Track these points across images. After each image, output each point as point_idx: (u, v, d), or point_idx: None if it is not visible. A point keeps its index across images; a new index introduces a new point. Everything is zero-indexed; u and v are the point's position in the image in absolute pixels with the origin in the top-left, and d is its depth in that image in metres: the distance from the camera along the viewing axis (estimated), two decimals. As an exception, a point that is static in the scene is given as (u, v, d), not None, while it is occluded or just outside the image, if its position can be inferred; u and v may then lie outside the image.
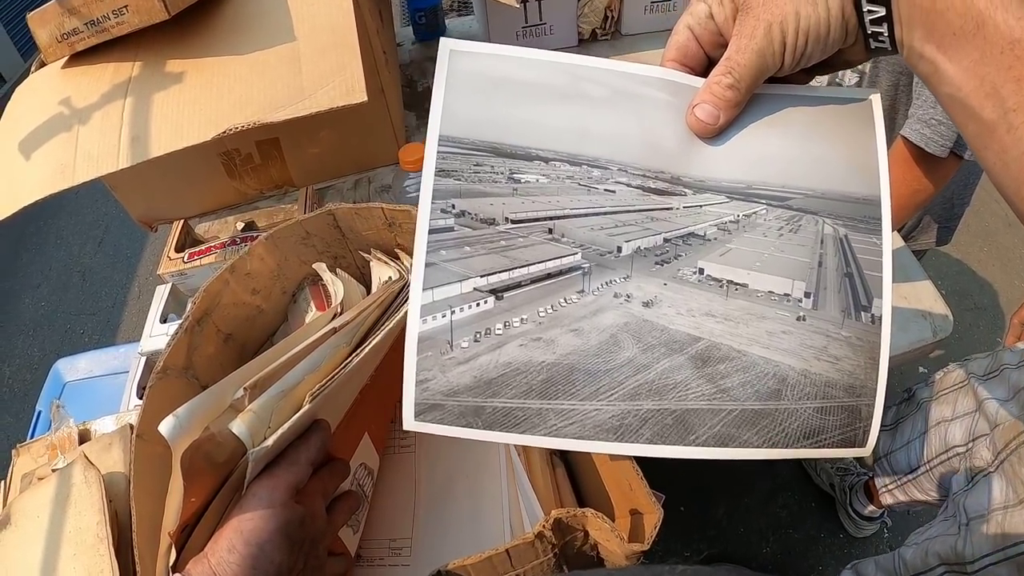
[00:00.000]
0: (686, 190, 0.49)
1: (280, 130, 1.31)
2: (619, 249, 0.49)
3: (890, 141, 1.14)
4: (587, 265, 0.48)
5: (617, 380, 0.46)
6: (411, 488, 0.81)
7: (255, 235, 0.73)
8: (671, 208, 0.49)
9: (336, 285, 0.70)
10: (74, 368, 1.37)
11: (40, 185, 1.02)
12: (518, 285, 0.47)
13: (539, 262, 0.48)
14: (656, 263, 0.49)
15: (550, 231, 0.49)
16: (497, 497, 0.77)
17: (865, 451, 0.48)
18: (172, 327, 0.69)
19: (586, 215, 0.49)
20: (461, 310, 0.46)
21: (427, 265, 0.47)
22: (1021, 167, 0.34)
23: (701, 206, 0.49)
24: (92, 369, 1.36)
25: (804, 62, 0.44)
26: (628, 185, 0.49)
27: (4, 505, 0.98)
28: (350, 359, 0.58)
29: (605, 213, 0.49)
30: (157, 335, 1.08)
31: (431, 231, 0.47)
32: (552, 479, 0.79)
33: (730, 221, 0.49)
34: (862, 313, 0.48)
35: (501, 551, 0.54)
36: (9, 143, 1.09)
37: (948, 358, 2.04)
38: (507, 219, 0.48)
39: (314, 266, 0.74)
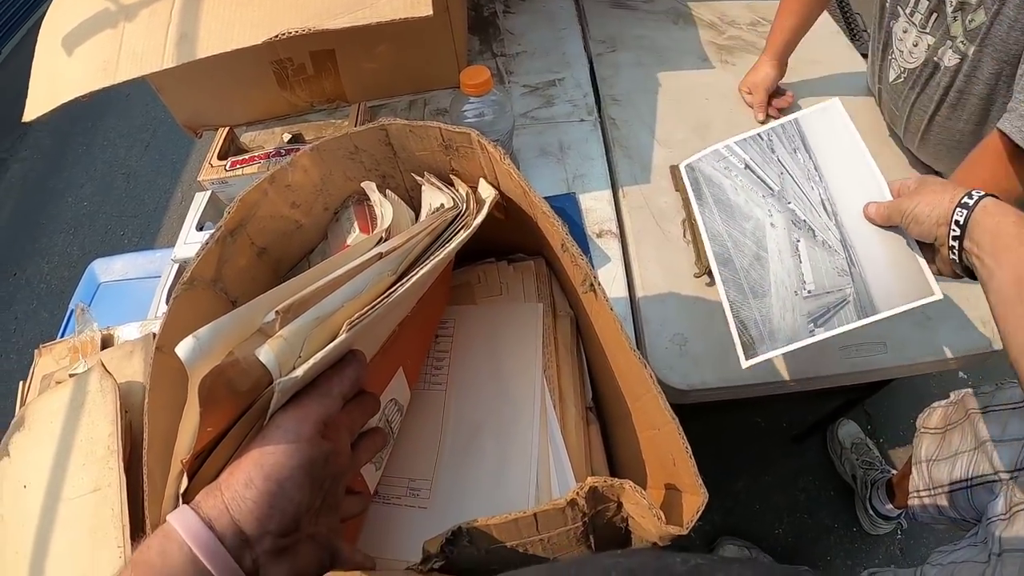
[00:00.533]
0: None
1: (336, 40, 1.24)
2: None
3: (985, 133, 1.04)
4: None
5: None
6: (437, 428, 0.76)
7: (301, 148, 0.66)
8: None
9: (384, 207, 0.63)
10: (109, 269, 1.34)
11: (81, 82, 0.97)
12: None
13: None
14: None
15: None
16: (526, 449, 0.72)
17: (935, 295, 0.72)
18: (207, 236, 0.63)
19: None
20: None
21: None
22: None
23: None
24: (127, 271, 1.33)
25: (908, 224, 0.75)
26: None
27: (22, 405, 0.95)
28: (395, 288, 0.51)
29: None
30: (192, 243, 1.03)
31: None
32: (585, 436, 0.74)
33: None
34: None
35: (528, 515, 0.48)
36: (52, 39, 1.05)
37: (995, 369, 1.97)
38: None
39: (362, 184, 0.67)
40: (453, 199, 0.64)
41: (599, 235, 1.09)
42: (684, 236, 1.12)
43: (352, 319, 0.47)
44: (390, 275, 0.53)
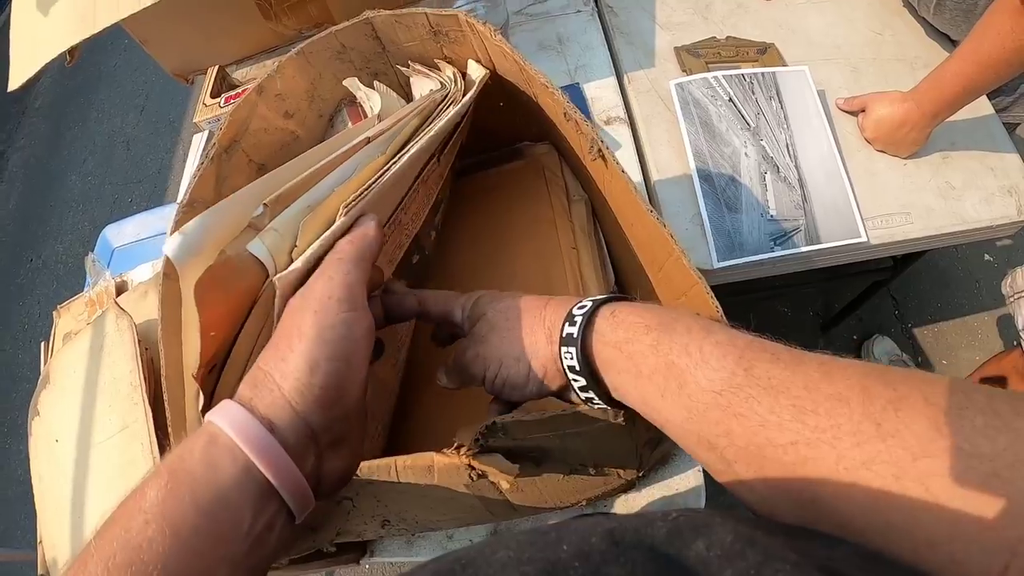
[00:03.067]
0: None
1: (315, -41, 1.18)
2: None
3: None
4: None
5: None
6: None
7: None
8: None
9: (372, 98, 0.60)
10: (121, 233, 1.33)
11: (62, 37, 0.93)
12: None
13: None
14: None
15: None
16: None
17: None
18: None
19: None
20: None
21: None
22: (757, 507, 0.33)
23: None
24: (139, 232, 1.32)
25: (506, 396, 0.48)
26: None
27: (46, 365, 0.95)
28: (388, 168, 0.49)
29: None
30: (193, 183, 1.00)
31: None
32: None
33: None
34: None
35: (568, 413, 0.44)
36: (27, 5, 1.01)
37: (1020, 248, 1.92)
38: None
39: (345, 82, 0.65)
40: (440, 81, 0.61)
41: (607, 122, 1.05)
42: (695, 118, 1.08)
43: (348, 202, 0.45)
44: (381, 156, 0.50)
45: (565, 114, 0.57)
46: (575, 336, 0.41)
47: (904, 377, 0.29)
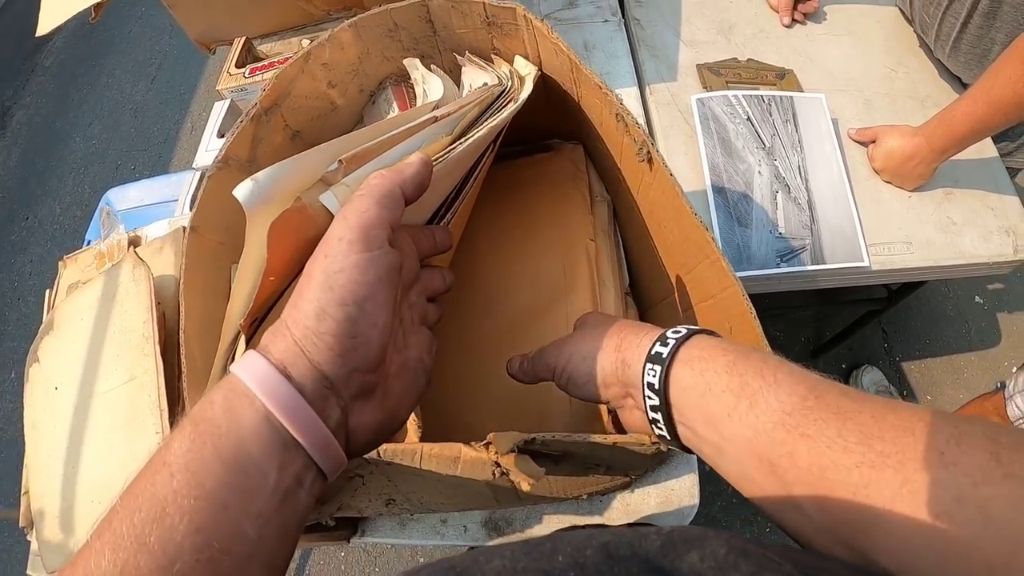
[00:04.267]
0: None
1: (350, -61, 1.19)
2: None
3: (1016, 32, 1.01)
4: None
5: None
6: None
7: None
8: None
9: (429, 81, 0.61)
10: (124, 197, 1.31)
11: None
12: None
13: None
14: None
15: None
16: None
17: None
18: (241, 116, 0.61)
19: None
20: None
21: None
22: (800, 533, 0.34)
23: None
24: (143, 198, 1.30)
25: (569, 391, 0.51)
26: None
27: (50, 311, 0.94)
28: (453, 147, 0.50)
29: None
30: (213, 150, 1.00)
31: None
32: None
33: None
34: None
35: (608, 442, 0.47)
36: None
37: (1010, 293, 1.96)
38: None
39: (404, 61, 0.65)
40: (497, 76, 0.62)
41: (627, 130, 1.07)
42: (713, 135, 1.10)
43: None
44: (447, 136, 0.51)
45: (617, 115, 0.58)
46: (664, 356, 0.42)
47: (966, 418, 0.30)
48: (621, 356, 0.46)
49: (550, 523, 0.74)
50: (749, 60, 1.19)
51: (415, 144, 0.48)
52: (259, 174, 0.40)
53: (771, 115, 1.11)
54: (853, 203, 1.03)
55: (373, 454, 0.49)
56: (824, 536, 0.33)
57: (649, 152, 0.56)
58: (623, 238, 0.79)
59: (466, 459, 0.50)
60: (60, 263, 1.01)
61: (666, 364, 0.41)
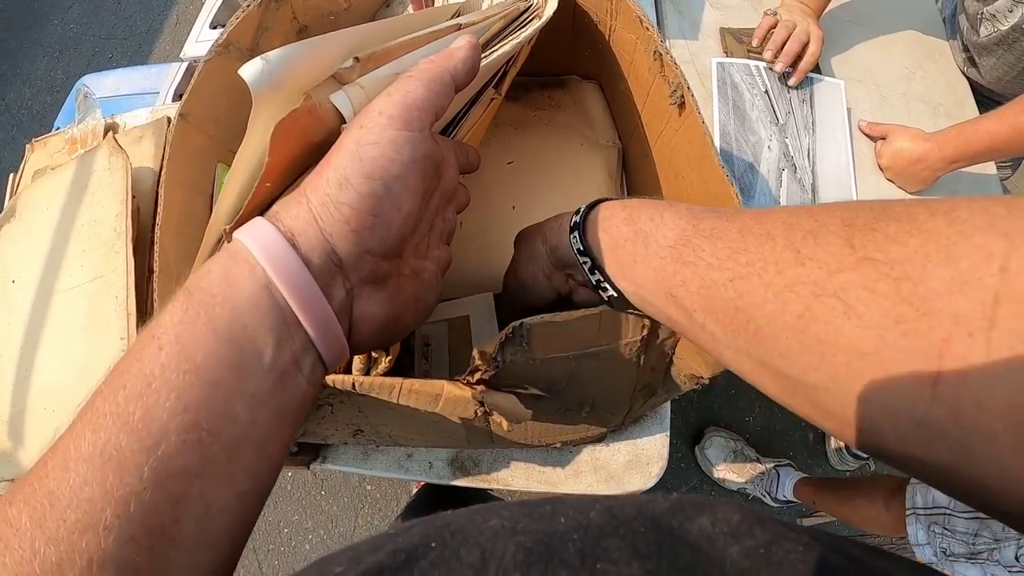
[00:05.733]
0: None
1: None
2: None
3: None
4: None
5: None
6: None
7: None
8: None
9: (454, -17, 0.56)
10: (100, 85, 1.22)
11: None
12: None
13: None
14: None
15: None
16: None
17: None
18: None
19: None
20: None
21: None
22: (723, 357, 0.35)
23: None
24: (119, 87, 1.22)
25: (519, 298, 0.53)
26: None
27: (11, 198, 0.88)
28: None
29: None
30: (204, 40, 0.94)
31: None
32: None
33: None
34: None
35: (594, 313, 0.44)
36: None
37: None
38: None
39: (426, -37, 0.61)
40: None
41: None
42: (727, 99, 1.07)
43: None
44: None
45: (656, 52, 0.54)
46: (578, 221, 0.44)
47: (827, 208, 0.30)
48: (548, 245, 0.47)
49: (517, 469, 0.72)
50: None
51: (438, 47, 0.44)
52: (270, 54, 0.36)
53: (788, 92, 1.09)
54: (855, 194, 1.02)
55: (347, 386, 0.46)
56: (731, 351, 0.33)
57: (683, 96, 0.53)
58: (628, 186, 0.75)
59: (448, 396, 0.47)
60: (27, 146, 0.94)
61: (581, 228, 0.43)
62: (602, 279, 0.43)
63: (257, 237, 0.31)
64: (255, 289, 0.30)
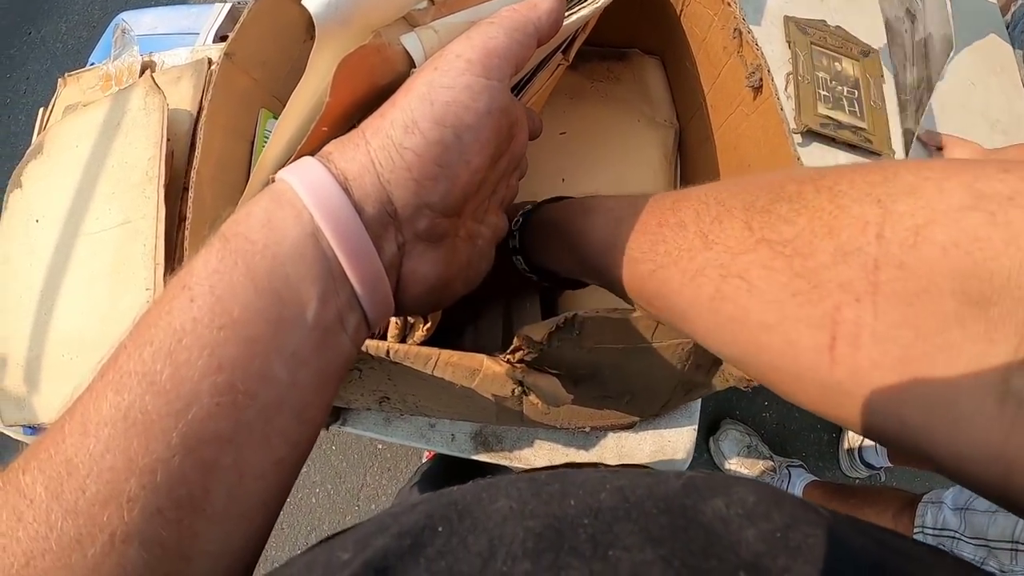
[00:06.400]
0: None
1: None
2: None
3: None
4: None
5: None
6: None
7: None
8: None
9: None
10: (137, 23, 1.18)
11: None
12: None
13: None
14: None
15: None
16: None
17: None
18: None
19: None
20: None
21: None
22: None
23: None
24: (156, 26, 1.18)
25: None
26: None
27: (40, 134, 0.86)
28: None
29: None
30: (249, -18, 0.91)
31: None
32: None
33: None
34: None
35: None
36: None
37: None
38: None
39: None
40: None
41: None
42: (786, 90, 1.02)
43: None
44: None
45: (736, 30, 0.51)
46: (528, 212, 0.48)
47: (735, 188, 0.31)
48: None
49: (541, 448, 0.71)
50: (838, 27, 1.11)
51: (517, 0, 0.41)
52: (338, -13, 0.32)
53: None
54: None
55: (381, 352, 0.43)
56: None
57: (761, 78, 0.50)
58: (683, 169, 0.72)
59: (487, 372, 0.45)
60: (60, 80, 0.92)
61: (526, 223, 0.47)
62: (527, 269, 0.48)
63: (306, 178, 0.28)
64: (300, 236, 0.27)
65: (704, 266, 0.30)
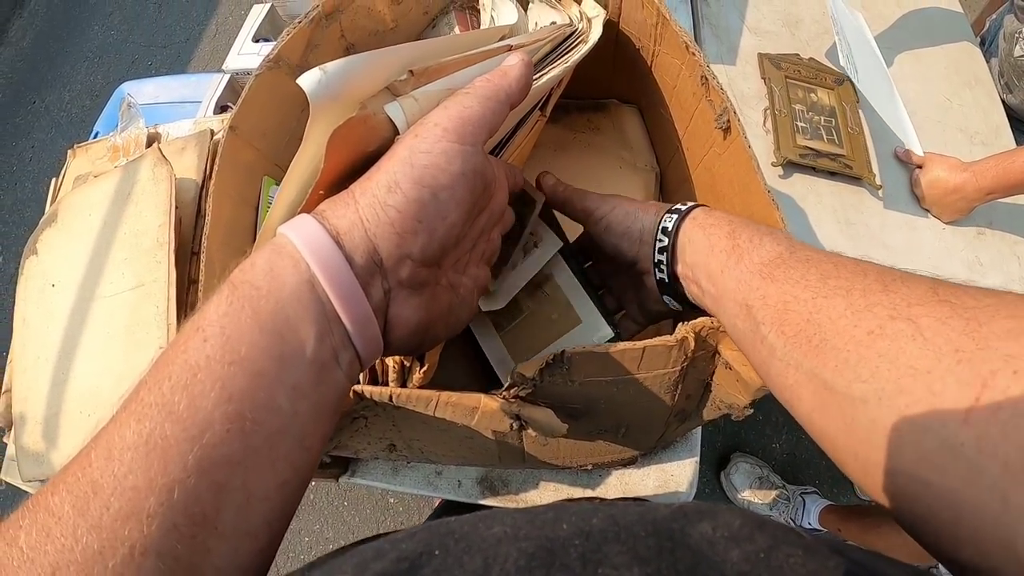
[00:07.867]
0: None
1: None
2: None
3: None
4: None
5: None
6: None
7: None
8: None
9: (501, 8, 0.57)
10: (140, 92, 1.24)
11: None
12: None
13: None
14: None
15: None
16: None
17: None
18: (265, 48, 0.57)
19: None
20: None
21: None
22: (769, 369, 0.37)
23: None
24: (159, 95, 1.23)
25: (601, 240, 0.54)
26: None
27: (53, 202, 0.90)
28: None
29: None
30: (247, 53, 0.96)
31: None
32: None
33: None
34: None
35: (637, 348, 0.45)
36: None
37: None
38: None
39: (475, -16, 0.61)
40: (569, 17, 0.58)
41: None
42: (764, 124, 1.06)
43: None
44: None
45: (703, 78, 0.54)
46: (683, 209, 0.48)
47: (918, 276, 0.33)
48: (658, 218, 0.49)
49: (546, 490, 0.72)
50: (811, 59, 1.15)
51: (489, 67, 0.44)
52: (328, 65, 0.36)
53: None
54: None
55: (384, 398, 0.46)
56: (782, 363, 0.35)
57: (728, 120, 0.53)
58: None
59: (484, 410, 0.47)
60: (69, 152, 0.96)
61: (683, 215, 0.47)
62: (664, 261, 0.48)
63: (303, 233, 0.32)
64: (299, 283, 0.31)
65: (875, 304, 0.31)
